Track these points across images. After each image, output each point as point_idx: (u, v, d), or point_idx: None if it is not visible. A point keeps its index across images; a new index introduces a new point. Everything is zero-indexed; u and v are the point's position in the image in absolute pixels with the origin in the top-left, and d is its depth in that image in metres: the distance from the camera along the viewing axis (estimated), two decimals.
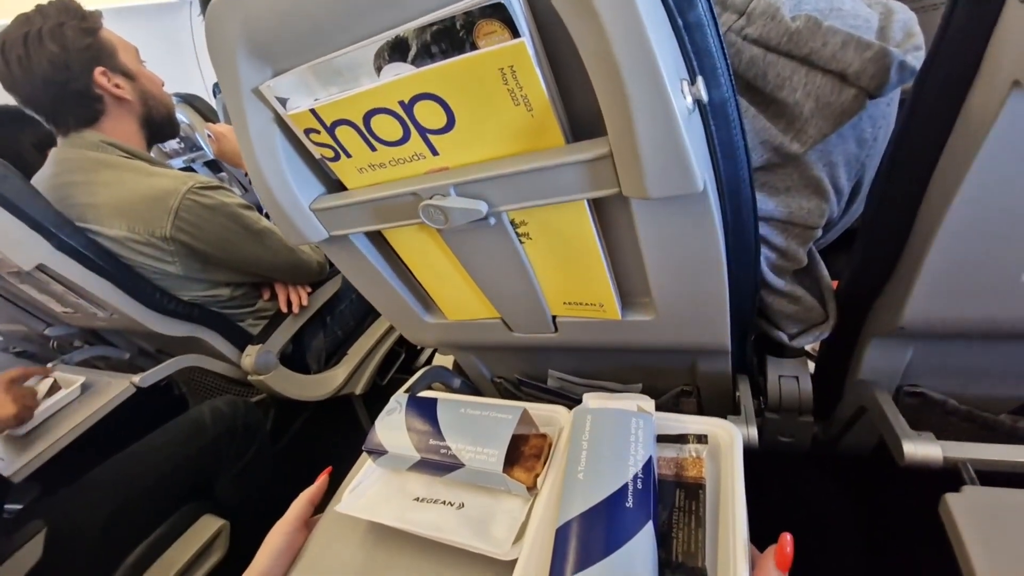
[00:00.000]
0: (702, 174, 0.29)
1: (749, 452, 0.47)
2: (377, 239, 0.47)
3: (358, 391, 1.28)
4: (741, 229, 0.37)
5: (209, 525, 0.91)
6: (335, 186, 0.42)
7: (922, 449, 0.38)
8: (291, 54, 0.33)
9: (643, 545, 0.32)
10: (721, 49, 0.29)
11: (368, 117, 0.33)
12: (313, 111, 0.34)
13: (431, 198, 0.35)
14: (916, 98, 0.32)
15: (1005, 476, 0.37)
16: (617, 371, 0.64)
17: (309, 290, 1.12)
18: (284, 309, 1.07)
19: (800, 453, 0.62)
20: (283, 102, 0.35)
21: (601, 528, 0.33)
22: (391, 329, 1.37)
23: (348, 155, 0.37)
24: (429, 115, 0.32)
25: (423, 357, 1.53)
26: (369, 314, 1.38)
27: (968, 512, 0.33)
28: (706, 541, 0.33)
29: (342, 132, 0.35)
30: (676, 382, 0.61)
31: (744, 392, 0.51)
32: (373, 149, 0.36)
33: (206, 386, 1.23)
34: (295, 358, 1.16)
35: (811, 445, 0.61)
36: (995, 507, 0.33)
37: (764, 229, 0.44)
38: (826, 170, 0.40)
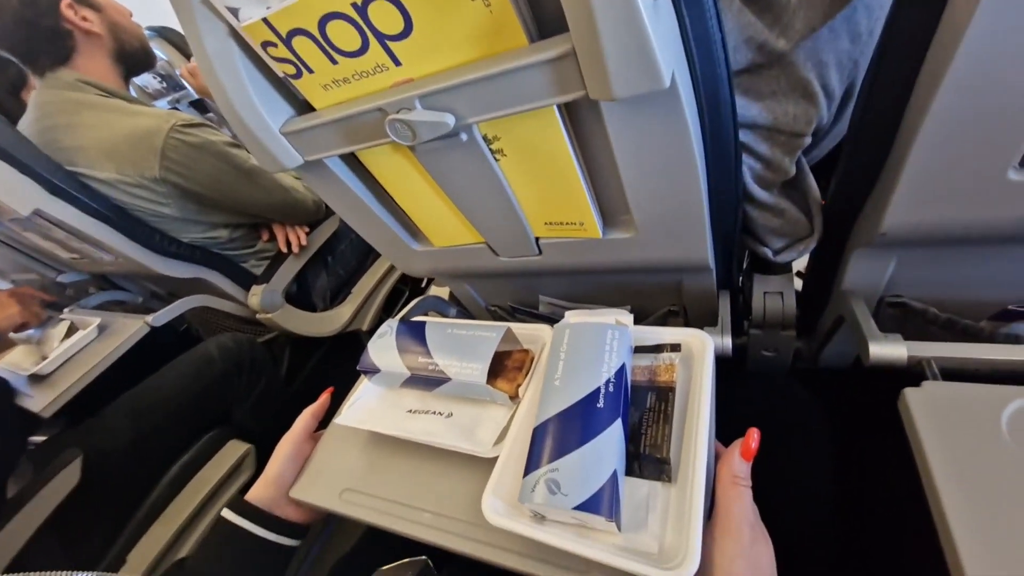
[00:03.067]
0: (670, 69, 0.28)
1: (729, 363, 0.49)
2: (353, 163, 0.46)
3: (365, 327, 1.32)
4: (720, 135, 0.36)
5: (236, 449, 0.99)
6: (304, 108, 0.41)
7: (887, 349, 0.39)
8: None
9: (612, 438, 0.34)
10: None
11: (323, 24, 0.32)
12: (266, 20, 0.32)
13: (397, 112, 0.34)
14: None
15: (975, 376, 0.38)
16: (606, 294, 0.65)
17: (307, 230, 1.13)
18: (284, 249, 1.09)
19: (783, 369, 0.64)
20: (235, 13, 0.33)
21: (574, 426, 0.35)
22: (392, 268, 1.39)
23: (310, 70, 0.36)
24: (385, 18, 0.30)
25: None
26: (371, 253, 1.39)
27: (925, 405, 0.34)
28: (672, 435, 0.36)
29: (300, 44, 0.34)
30: (664, 303, 0.62)
31: (723, 305, 0.52)
32: (334, 62, 0.35)
33: (221, 327, 1.28)
34: (301, 297, 1.20)
35: (793, 360, 0.63)
36: (952, 400, 0.34)
37: (747, 137, 0.42)
38: (815, 71, 0.38)
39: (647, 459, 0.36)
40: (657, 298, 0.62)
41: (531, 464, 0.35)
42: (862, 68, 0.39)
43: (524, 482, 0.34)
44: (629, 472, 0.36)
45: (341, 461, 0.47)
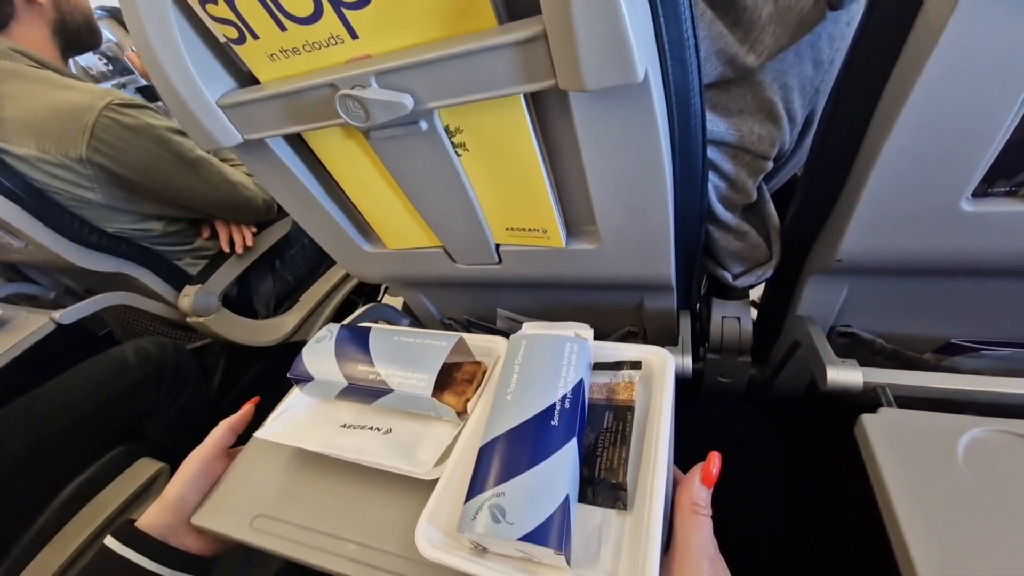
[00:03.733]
0: (644, 63, 0.26)
1: (686, 387, 0.48)
2: (300, 147, 0.42)
3: (311, 338, 1.24)
4: (688, 145, 0.35)
5: (146, 468, 0.88)
6: (248, 81, 0.38)
7: (844, 375, 0.39)
8: None
9: (565, 460, 0.31)
10: None
11: None
12: None
13: (351, 89, 0.31)
14: (872, 5, 0.30)
15: (924, 405, 0.38)
16: (566, 311, 0.63)
17: (255, 230, 1.05)
18: (226, 249, 1.01)
19: (737, 395, 0.64)
20: None
21: (524, 445, 0.32)
22: (346, 278, 1.32)
23: (255, 36, 0.32)
24: None
25: None
26: (323, 261, 1.32)
27: (882, 431, 0.34)
28: (629, 458, 0.33)
29: (244, 3, 0.30)
30: (624, 322, 0.61)
31: (684, 325, 0.51)
32: (283, 28, 0.31)
33: (145, 331, 1.16)
34: (241, 302, 1.11)
35: (747, 387, 0.63)
36: (908, 427, 0.34)
37: (714, 154, 0.42)
38: (780, 93, 0.39)
39: (601, 484, 0.33)
40: (617, 317, 0.60)
41: (475, 487, 0.31)
42: (822, 96, 0.40)
43: (465, 508, 0.30)
44: (582, 498, 0.32)
45: (257, 482, 0.41)
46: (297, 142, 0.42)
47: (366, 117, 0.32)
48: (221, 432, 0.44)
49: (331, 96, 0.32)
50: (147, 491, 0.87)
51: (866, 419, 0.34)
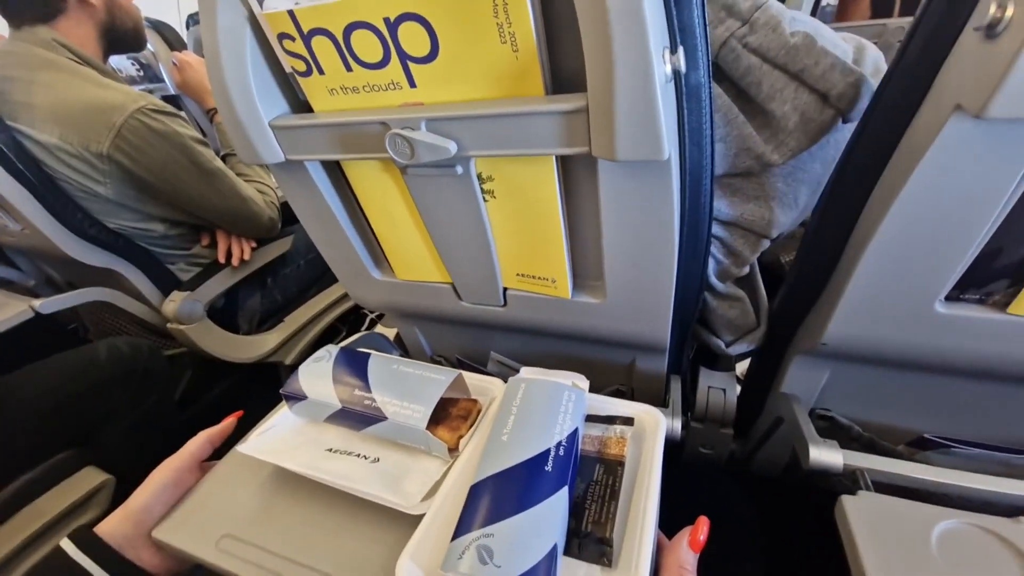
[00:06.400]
0: (669, 145, 0.30)
1: (668, 454, 0.49)
2: (335, 174, 0.45)
3: (288, 361, 1.21)
4: (695, 219, 0.38)
5: (91, 478, 0.82)
6: (301, 107, 0.40)
7: (826, 455, 0.41)
8: None
9: (556, 507, 0.31)
10: (704, 32, 0.31)
11: (349, 31, 0.32)
12: (291, 13, 0.32)
13: (401, 129, 0.34)
14: (867, 118, 0.35)
15: (895, 492, 0.39)
16: (558, 362, 0.64)
17: (254, 245, 1.06)
18: (222, 260, 1.00)
19: (717, 467, 0.64)
20: (260, 0, 0.33)
21: (516, 488, 0.32)
22: (334, 304, 1.32)
23: (321, 72, 0.35)
24: (413, 39, 0.31)
25: None
26: (314, 284, 1.32)
27: (861, 514, 0.35)
28: (617, 514, 0.33)
29: (319, 44, 0.34)
30: (612, 381, 0.62)
31: (675, 388, 0.53)
32: (349, 69, 0.34)
33: (118, 332, 1.12)
34: (225, 315, 1.09)
35: (727, 462, 0.63)
36: (885, 512, 0.35)
37: (721, 231, 0.46)
38: (792, 186, 0.43)
39: (587, 538, 0.33)
40: (608, 374, 0.62)
41: (463, 526, 0.31)
42: None
43: (452, 546, 0.30)
44: (567, 551, 0.32)
45: (228, 500, 0.40)
46: (333, 168, 0.44)
47: (411, 155, 0.35)
48: (199, 443, 0.42)
49: (381, 133, 0.35)
50: (88, 502, 0.81)
51: (846, 500, 0.35)
